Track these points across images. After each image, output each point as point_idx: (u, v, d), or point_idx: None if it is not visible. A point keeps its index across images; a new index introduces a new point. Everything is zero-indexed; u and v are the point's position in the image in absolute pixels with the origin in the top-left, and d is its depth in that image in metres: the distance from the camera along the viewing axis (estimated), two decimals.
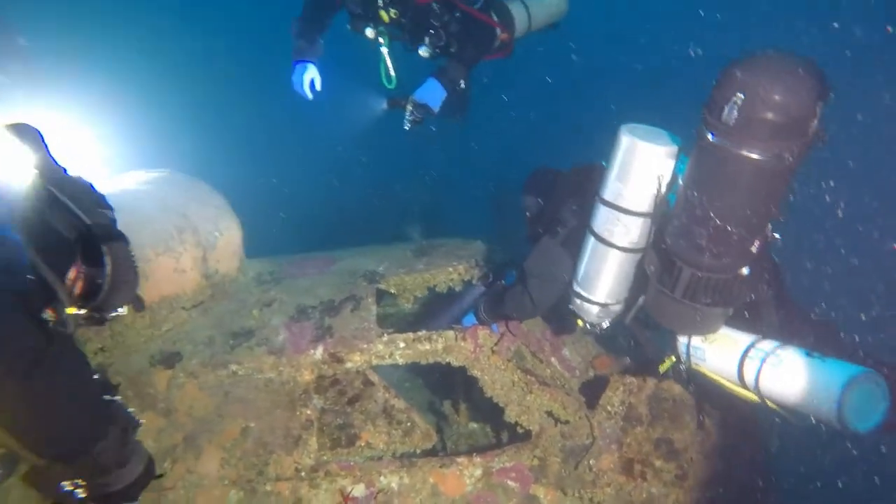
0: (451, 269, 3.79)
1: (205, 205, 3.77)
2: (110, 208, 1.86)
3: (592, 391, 3.38)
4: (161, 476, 2.07)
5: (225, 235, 3.71)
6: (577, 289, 2.74)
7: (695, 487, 3.12)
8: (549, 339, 3.68)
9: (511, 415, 3.21)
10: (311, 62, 4.57)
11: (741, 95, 1.86)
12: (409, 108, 4.15)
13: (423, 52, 4.46)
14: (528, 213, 3.38)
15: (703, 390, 3.03)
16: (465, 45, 4.37)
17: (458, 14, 4.37)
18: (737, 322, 2.53)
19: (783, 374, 2.24)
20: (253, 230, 4.10)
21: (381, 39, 4.47)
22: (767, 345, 2.36)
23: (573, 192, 2.94)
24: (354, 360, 3.22)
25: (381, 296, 3.85)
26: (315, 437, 3.06)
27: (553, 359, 3.55)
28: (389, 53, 4.54)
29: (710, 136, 1.98)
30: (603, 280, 2.63)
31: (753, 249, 2.17)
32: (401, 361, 3.26)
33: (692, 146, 2.13)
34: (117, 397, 1.91)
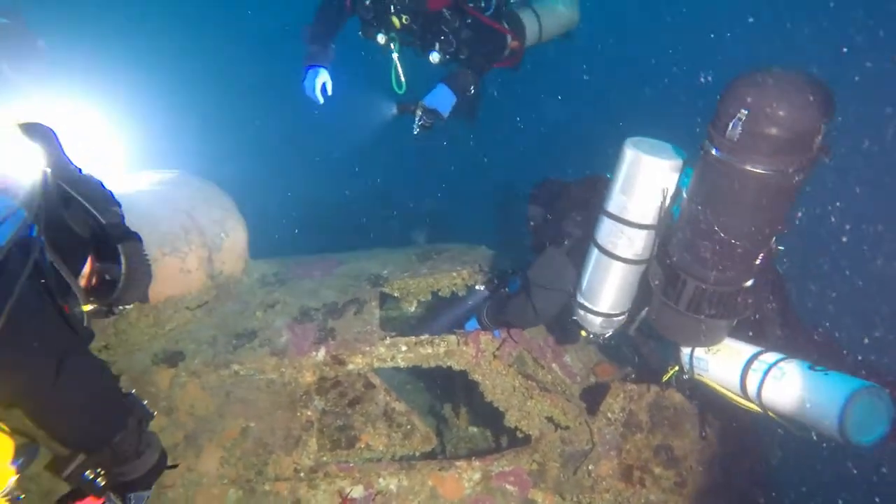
0: (454, 274, 3.81)
1: (212, 206, 3.81)
2: (119, 205, 1.90)
3: (593, 398, 3.38)
4: (175, 466, 2.14)
5: (231, 237, 3.75)
6: (581, 299, 2.75)
7: (693, 495, 3.11)
8: (551, 345, 3.68)
9: (511, 419, 3.21)
10: (323, 67, 4.60)
11: (745, 111, 1.87)
12: (419, 113, 4.18)
13: (434, 58, 4.49)
14: (532, 224, 3.40)
15: (706, 400, 3.03)
16: (475, 51, 4.40)
17: (469, 21, 4.40)
18: (740, 333, 2.53)
19: (786, 386, 2.24)
20: (259, 231, 4.14)
21: (392, 46, 4.51)
22: (770, 357, 2.36)
23: (578, 204, 2.95)
24: (356, 363, 3.24)
25: (384, 299, 3.87)
26: (315, 438, 3.08)
27: (554, 365, 3.56)
28: (400, 59, 4.58)
29: (714, 152, 1.99)
30: (606, 291, 2.64)
31: (757, 262, 2.18)
32: (402, 365, 3.28)
33: (697, 159, 2.14)
34: (133, 390, 1.99)
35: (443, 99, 4.18)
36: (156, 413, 2.94)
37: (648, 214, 2.39)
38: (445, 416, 3.98)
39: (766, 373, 2.30)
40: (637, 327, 2.72)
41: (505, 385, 3.23)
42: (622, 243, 2.47)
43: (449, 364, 3.27)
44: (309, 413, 3.11)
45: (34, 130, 1.72)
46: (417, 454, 3.30)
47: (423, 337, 3.28)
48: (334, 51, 4.69)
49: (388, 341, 3.25)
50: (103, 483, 1.79)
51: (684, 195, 2.25)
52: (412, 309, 4.12)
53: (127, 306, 2.04)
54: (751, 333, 2.54)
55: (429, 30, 4.42)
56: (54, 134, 1.77)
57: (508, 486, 3.10)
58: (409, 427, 3.28)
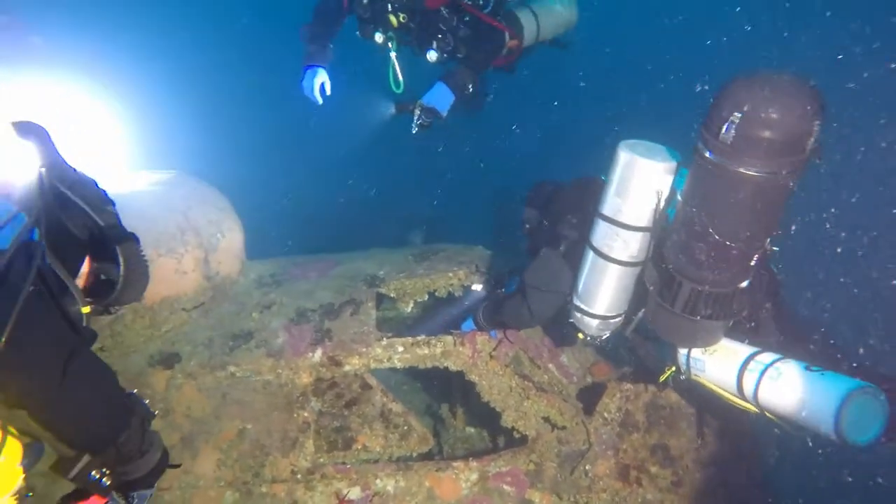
0: (451, 275, 3.80)
1: (208, 206, 3.80)
2: (113, 203, 1.89)
3: (590, 397, 3.39)
4: (177, 466, 2.13)
5: (227, 237, 3.74)
6: (577, 302, 2.75)
7: (690, 494, 3.12)
8: (548, 345, 3.68)
9: (508, 420, 3.22)
10: (322, 67, 4.58)
11: (738, 114, 1.88)
12: (418, 112, 4.16)
13: (432, 56, 4.47)
14: (528, 227, 3.40)
15: (702, 401, 3.04)
16: (473, 50, 4.39)
17: (467, 18, 4.39)
18: (736, 333, 2.54)
19: (782, 386, 2.25)
20: (256, 232, 4.13)
21: (389, 44, 4.49)
22: (767, 357, 2.37)
23: (573, 207, 2.95)
24: (353, 364, 3.23)
25: (381, 300, 3.87)
26: (312, 440, 3.08)
27: (551, 365, 3.56)
28: (398, 58, 4.57)
29: (707, 154, 2.00)
30: (602, 294, 2.64)
31: (752, 263, 2.19)
32: (399, 365, 3.28)
33: (691, 161, 2.14)
34: (135, 390, 2.00)
35: (441, 97, 4.17)
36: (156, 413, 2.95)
37: (643, 217, 2.40)
38: (442, 417, 3.98)
39: (762, 373, 2.31)
40: (634, 329, 2.72)
41: (501, 385, 3.24)
42: (617, 246, 2.48)
43: (445, 365, 3.27)
44: (305, 414, 3.11)
45: (27, 130, 1.71)
46: (414, 455, 3.30)
47: (419, 338, 3.27)
48: (332, 51, 4.68)
49: (384, 342, 3.25)
50: (108, 482, 1.80)
51: (679, 197, 2.26)
52: (409, 309, 4.11)
53: (123, 307, 2.04)
54: (747, 332, 2.55)
55: (426, 28, 4.41)
56: (47, 133, 1.76)
57: (505, 487, 3.10)
58: (405, 428, 3.28)
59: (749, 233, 2.08)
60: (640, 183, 2.35)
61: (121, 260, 1.84)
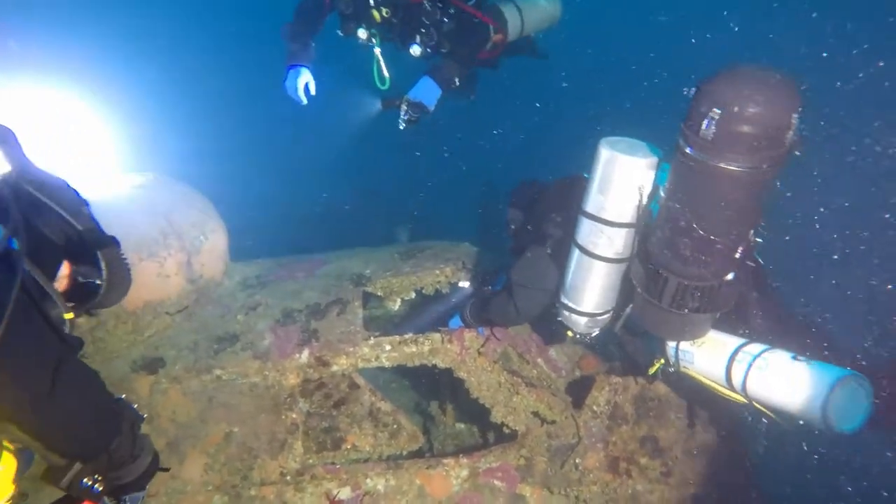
0: (437, 272, 3.79)
1: (190, 208, 3.75)
2: (86, 203, 1.86)
3: (578, 391, 3.39)
4: (167, 469, 2.16)
5: (210, 239, 3.70)
6: (565, 300, 2.76)
7: (680, 484, 3.14)
8: (536, 340, 3.68)
9: (497, 416, 3.21)
10: (305, 66, 4.50)
11: (718, 110, 1.89)
12: (404, 107, 4.11)
13: (415, 51, 4.42)
14: (512, 227, 3.40)
15: (690, 391, 3.06)
16: (458, 43, 4.36)
17: (451, 11, 4.35)
18: (724, 324, 2.55)
19: (770, 377, 2.28)
20: (239, 234, 4.08)
21: (373, 41, 4.45)
22: (754, 348, 2.39)
23: (557, 205, 2.96)
24: (340, 364, 3.21)
25: (367, 299, 3.85)
26: (300, 441, 3.05)
27: (539, 359, 3.56)
28: (382, 54, 4.52)
29: (688, 150, 2.01)
30: (589, 291, 2.65)
31: (737, 256, 2.20)
32: (387, 364, 3.26)
33: (672, 157, 2.15)
34: (122, 395, 2.00)
35: (428, 92, 4.12)
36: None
37: (627, 213, 2.40)
38: (432, 414, 3.97)
39: (750, 364, 2.33)
40: (622, 325, 2.73)
41: (490, 381, 3.23)
42: (602, 243, 2.48)
43: (434, 362, 3.26)
44: (294, 416, 3.09)
45: None
46: (404, 453, 3.29)
47: (407, 336, 3.26)
48: (315, 49, 4.62)
49: (372, 341, 3.23)
50: (100, 489, 1.80)
51: (661, 192, 2.26)
52: (396, 308, 4.10)
53: (103, 312, 2.02)
54: (735, 323, 2.56)
55: (409, 23, 4.36)
56: (14, 135, 1.72)
57: (496, 482, 3.10)
58: (395, 426, 3.27)
59: (733, 226, 2.10)
60: (622, 179, 2.35)
61: (103, 265, 1.82)
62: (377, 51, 4.47)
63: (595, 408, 3.22)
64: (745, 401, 2.38)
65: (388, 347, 3.23)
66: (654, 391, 3.26)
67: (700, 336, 2.52)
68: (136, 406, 2.05)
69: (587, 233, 2.51)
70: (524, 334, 3.64)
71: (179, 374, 3.08)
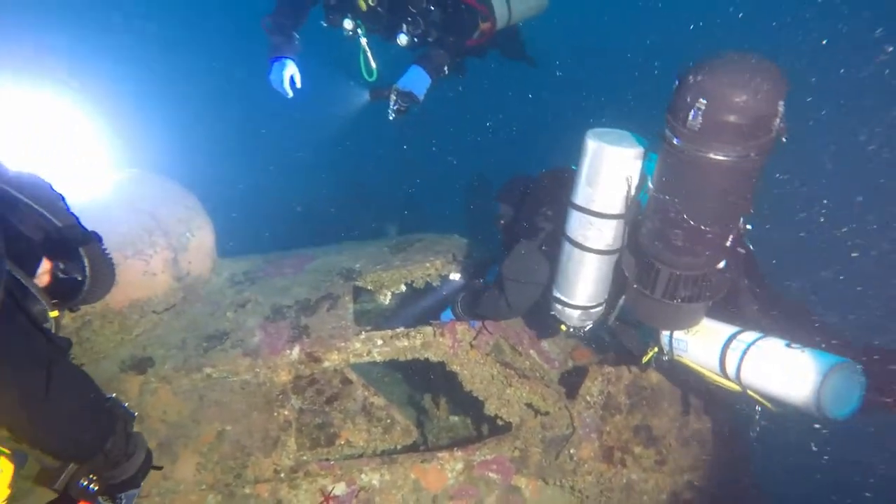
0: (428, 265, 3.77)
1: (175, 205, 3.69)
2: (61, 197, 1.82)
3: (572, 382, 3.40)
4: (160, 468, 2.17)
5: (197, 236, 3.64)
6: (557, 294, 2.75)
7: (674, 472, 3.16)
8: (528, 331, 3.68)
9: (491, 408, 3.21)
10: (290, 58, 4.38)
11: (704, 100, 1.87)
12: (394, 97, 4.04)
13: (402, 40, 4.33)
14: (502, 222, 3.38)
15: (684, 379, 3.07)
16: (445, 31, 4.29)
17: None
18: (717, 313, 2.56)
19: (764, 364, 2.28)
20: (226, 230, 4.03)
21: (359, 31, 4.37)
22: (748, 336, 2.40)
23: (546, 199, 2.94)
24: (332, 359, 3.18)
25: (358, 292, 3.81)
26: (294, 438, 3.03)
27: (532, 351, 3.56)
28: (369, 45, 4.44)
29: (675, 141, 2.00)
30: (581, 284, 2.64)
31: (728, 244, 2.20)
32: (379, 359, 3.24)
33: (658, 146, 2.14)
34: (113, 394, 2.00)
35: (417, 81, 4.05)
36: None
37: (615, 204, 2.39)
38: (425, 407, 3.96)
39: (744, 352, 2.33)
40: (616, 316, 2.73)
41: (483, 374, 3.22)
42: (592, 235, 2.47)
43: (426, 356, 3.24)
44: (286, 413, 3.06)
45: None
46: (398, 447, 3.28)
47: (398, 330, 3.24)
48: (299, 41, 4.52)
49: (363, 336, 3.21)
50: (96, 488, 1.82)
51: (650, 182, 2.25)
52: (386, 302, 4.08)
53: (87, 311, 2.00)
54: (728, 311, 2.57)
55: (395, 12, 4.29)
56: None
57: (491, 475, 3.10)
58: (388, 421, 3.25)
59: (723, 215, 2.09)
60: (610, 171, 2.34)
61: (86, 262, 1.80)
62: (363, 41, 4.39)
63: (588, 398, 3.22)
64: (739, 388, 2.38)
65: (379, 342, 3.21)
66: (647, 380, 3.27)
67: (693, 325, 2.53)
68: (126, 405, 2.05)
69: (577, 225, 2.50)
70: (516, 326, 3.63)
71: (169, 374, 3.03)
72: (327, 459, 3.10)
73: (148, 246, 3.31)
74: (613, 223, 2.43)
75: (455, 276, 3.70)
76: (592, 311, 2.72)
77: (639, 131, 2.43)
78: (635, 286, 2.39)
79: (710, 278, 2.30)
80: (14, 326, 1.49)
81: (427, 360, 3.25)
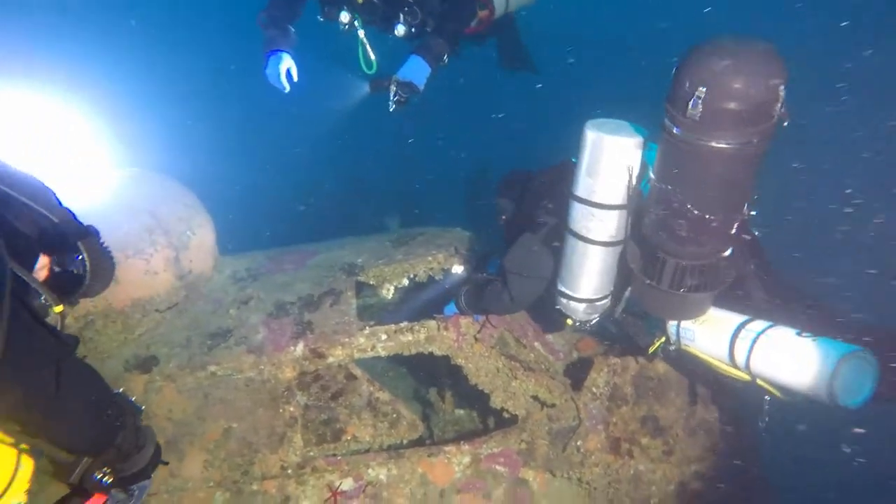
0: (430, 258, 3.75)
1: (176, 203, 3.67)
2: (52, 192, 1.83)
3: (577, 373, 3.38)
4: (167, 463, 2.26)
5: (198, 234, 3.63)
6: (562, 287, 2.72)
7: (681, 462, 3.15)
8: (532, 323, 3.67)
9: (497, 401, 3.20)
10: (286, 52, 4.30)
11: (704, 88, 1.84)
12: (394, 88, 3.99)
13: (400, 30, 4.26)
14: (503, 217, 3.35)
15: (690, 369, 3.05)
16: (443, 20, 4.24)
17: None
18: (725, 302, 2.53)
19: (775, 353, 2.26)
20: (227, 227, 4.01)
21: (356, 23, 4.32)
22: (758, 325, 2.37)
23: (547, 192, 2.92)
24: (336, 355, 3.17)
25: (360, 287, 3.80)
26: (300, 434, 3.02)
27: (537, 343, 3.55)
28: (367, 37, 4.39)
29: (676, 130, 1.97)
30: (586, 276, 2.61)
31: (733, 232, 2.18)
32: (383, 354, 3.23)
33: (658, 135, 2.11)
34: (121, 389, 2.06)
35: (417, 71, 3.99)
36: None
37: (617, 195, 2.37)
38: (431, 401, 3.95)
39: (754, 341, 2.31)
40: (623, 308, 2.71)
41: (489, 367, 3.21)
42: (595, 226, 2.45)
43: (430, 350, 3.23)
44: (292, 409, 3.05)
45: None
46: (405, 442, 3.27)
47: (402, 324, 3.22)
48: (295, 34, 4.47)
49: (367, 331, 3.19)
50: (109, 480, 1.87)
51: (650, 172, 2.23)
52: (389, 296, 4.06)
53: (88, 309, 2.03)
54: (736, 299, 2.55)
55: (392, 2, 4.25)
56: None
57: (498, 468, 3.09)
58: (394, 416, 3.25)
59: (727, 203, 2.07)
60: (610, 161, 2.32)
61: (85, 256, 1.83)
62: (361, 33, 4.34)
63: (594, 389, 3.21)
64: (749, 378, 2.36)
65: (383, 337, 3.19)
66: (654, 370, 3.26)
67: (701, 314, 2.51)
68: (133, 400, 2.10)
69: (579, 217, 2.48)
70: (520, 319, 3.61)
71: (173, 372, 3.02)
72: (334, 455, 3.10)
73: (149, 245, 3.30)
74: (616, 214, 2.41)
75: (458, 270, 3.68)
76: (598, 303, 2.70)
77: (640, 122, 2.41)
78: (641, 277, 2.38)
79: (716, 267, 2.28)
80: (20, 324, 1.49)
81: (432, 354, 3.24)
